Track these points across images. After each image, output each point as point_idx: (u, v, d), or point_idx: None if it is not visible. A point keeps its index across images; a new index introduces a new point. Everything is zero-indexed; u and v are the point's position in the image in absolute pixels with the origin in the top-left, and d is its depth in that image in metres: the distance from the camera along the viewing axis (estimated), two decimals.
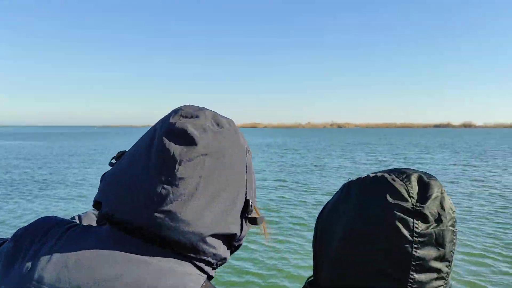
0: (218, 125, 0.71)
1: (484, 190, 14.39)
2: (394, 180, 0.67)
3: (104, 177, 0.72)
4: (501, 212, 10.90)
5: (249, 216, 0.74)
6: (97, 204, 0.70)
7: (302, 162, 25.15)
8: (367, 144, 47.45)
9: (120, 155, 0.75)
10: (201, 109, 0.73)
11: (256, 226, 0.77)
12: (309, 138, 67.64)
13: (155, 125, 0.72)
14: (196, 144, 0.65)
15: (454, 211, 0.68)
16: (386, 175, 0.69)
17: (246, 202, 0.73)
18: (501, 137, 74.87)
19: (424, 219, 0.64)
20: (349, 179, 0.75)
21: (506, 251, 7.67)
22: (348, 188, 0.72)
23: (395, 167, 0.79)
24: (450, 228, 0.66)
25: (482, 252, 7.59)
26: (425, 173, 0.71)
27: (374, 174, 0.71)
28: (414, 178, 0.68)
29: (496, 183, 16.12)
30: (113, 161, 0.76)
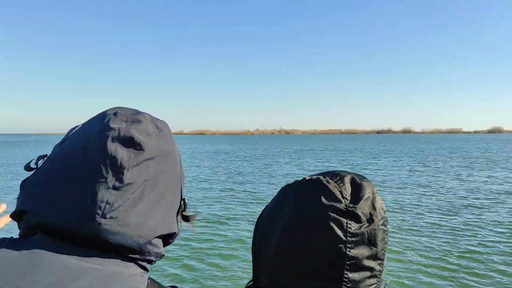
0: (157, 128, 0.72)
1: (432, 196, 14.48)
2: (329, 182, 0.69)
3: (26, 184, 0.68)
4: (451, 218, 10.85)
5: (184, 214, 0.78)
6: (18, 214, 0.67)
7: (250, 169, 24.56)
8: (315, 151, 47.87)
9: (40, 159, 0.71)
10: (138, 112, 0.73)
11: (189, 222, 0.80)
12: (258, 145, 67.36)
13: (87, 127, 0.70)
14: (143, 150, 0.66)
15: (385, 211, 0.70)
16: (321, 177, 0.71)
17: (183, 200, 0.77)
18: (438, 142, 78.68)
19: (357, 219, 0.65)
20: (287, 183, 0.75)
21: (463, 260, 7.41)
22: (285, 192, 0.73)
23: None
24: (382, 227, 0.67)
25: (438, 263, 7.28)
26: (357, 174, 0.72)
27: (310, 177, 0.72)
28: (347, 179, 0.69)
29: (441, 187, 16.36)
30: (33, 165, 0.70)
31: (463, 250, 8.03)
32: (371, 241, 0.66)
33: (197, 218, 0.82)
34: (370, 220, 0.66)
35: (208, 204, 13.08)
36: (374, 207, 0.67)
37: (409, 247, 8.18)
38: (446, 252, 7.87)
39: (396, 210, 11.97)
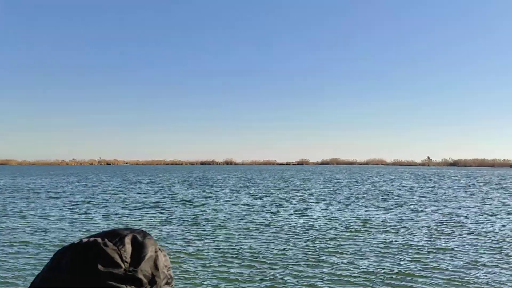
0: None
1: (280, 232, 12.56)
2: (106, 245, 0.63)
3: None
4: (311, 257, 8.80)
5: None
6: None
7: (58, 210, 19.32)
8: (141, 184, 43.39)
9: None
10: None
11: None
12: (72, 178, 58.80)
13: None
14: None
15: (169, 268, 0.68)
16: (98, 240, 0.64)
17: None
18: (260, 173, 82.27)
19: (138, 283, 0.61)
20: (63, 245, 0.68)
21: None
22: (60, 259, 0.63)
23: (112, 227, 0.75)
24: (165, 286, 0.65)
25: None
26: (140, 231, 0.68)
27: (87, 239, 0.65)
28: (128, 240, 0.65)
29: (286, 223, 14.76)
30: None
31: None
32: None
33: None
34: (152, 281, 0.62)
35: None
36: (156, 267, 0.63)
37: None
38: None
39: (245, 251, 9.55)
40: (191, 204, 22.06)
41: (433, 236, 12.98)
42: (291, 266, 9.40)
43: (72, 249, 0.63)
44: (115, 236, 0.64)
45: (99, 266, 0.59)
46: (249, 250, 10.92)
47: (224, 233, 13.30)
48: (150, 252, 0.64)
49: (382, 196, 26.92)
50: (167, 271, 0.66)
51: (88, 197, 26.67)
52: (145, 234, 0.68)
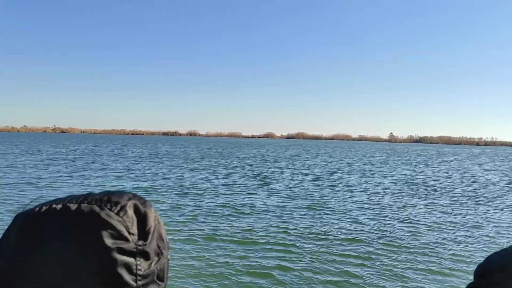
0: None
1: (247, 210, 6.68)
2: (110, 216, 0.53)
3: None
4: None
5: None
6: None
7: None
8: (107, 157, 36.23)
9: None
10: None
11: None
12: (21, 147, 50.40)
13: None
14: None
15: (166, 238, 0.62)
16: (95, 208, 0.53)
17: None
18: (233, 147, 76.64)
19: (147, 257, 0.55)
20: (20, 212, 0.54)
21: None
22: (42, 224, 0.52)
23: (106, 189, 0.61)
24: (167, 257, 0.60)
25: None
26: (138, 197, 0.59)
27: (75, 204, 0.54)
28: (129, 208, 0.56)
29: (358, 232, 8.89)
30: None
31: None
32: (159, 277, 0.56)
33: None
34: (159, 254, 0.56)
35: None
36: (161, 238, 0.58)
37: None
38: None
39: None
40: (187, 191, 15.68)
41: None
42: None
43: (58, 215, 0.51)
44: (114, 204, 0.54)
45: (106, 240, 0.50)
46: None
47: (278, 247, 7.21)
48: (154, 222, 0.56)
49: (433, 183, 21.54)
50: (168, 242, 0.59)
51: (33, 172, 19.64)
52: (144, 200, 0.58)
